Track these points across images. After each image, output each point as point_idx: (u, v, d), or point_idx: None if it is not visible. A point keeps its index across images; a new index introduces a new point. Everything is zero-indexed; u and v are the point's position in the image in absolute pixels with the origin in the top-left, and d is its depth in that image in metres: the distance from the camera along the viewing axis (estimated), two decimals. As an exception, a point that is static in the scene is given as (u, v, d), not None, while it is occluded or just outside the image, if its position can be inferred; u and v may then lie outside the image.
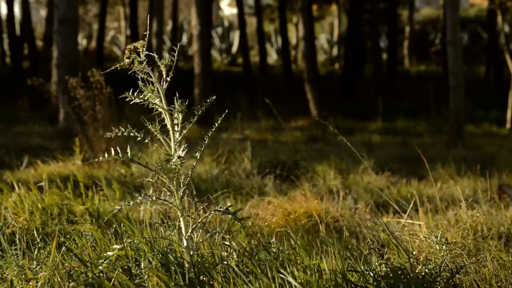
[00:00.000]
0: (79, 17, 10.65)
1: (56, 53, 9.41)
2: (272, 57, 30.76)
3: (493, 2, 17.27)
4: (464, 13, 32.08)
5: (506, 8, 18.55)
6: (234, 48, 30.22)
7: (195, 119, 2.52)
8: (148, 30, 2.50)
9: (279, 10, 24.24)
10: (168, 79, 2.46)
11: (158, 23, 13.28)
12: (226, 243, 2.71)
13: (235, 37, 29.86)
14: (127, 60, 2.40)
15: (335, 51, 30.88)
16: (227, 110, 2.80)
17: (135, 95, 2.45)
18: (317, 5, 28.02)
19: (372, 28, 19.58)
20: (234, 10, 35.43)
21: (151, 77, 2.45)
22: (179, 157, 2.46)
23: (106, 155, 2.44)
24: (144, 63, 2.42)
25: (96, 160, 2.52)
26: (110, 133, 2.45)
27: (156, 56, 2.45)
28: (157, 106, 2.47)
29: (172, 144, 2.52)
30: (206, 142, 2.56)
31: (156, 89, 2.46)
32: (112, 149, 2.48)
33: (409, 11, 28.14)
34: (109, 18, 34.27)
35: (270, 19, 30.04)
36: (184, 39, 30.68)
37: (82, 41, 31.24)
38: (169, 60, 2.46)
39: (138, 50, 2.41)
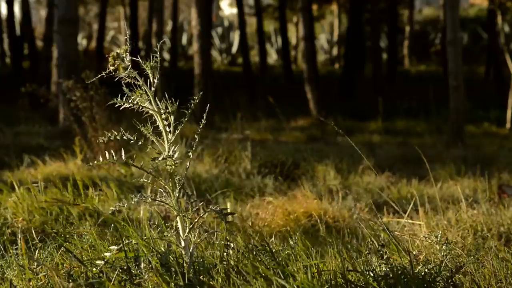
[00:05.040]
0: (79, 17, 10.66)
1: (56, 53, 9.40)
2: (272, 57, 30.75)
3: (493, 2, 17.26)
4: (464, 13, 32.08)
5: (506, 8, 18.56)
6: (234, 48, 30.21)
7: (186, 119, 2.53)
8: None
9: (279, 10, 24.23)
10: (156, 80, 2.47)
11: (158, 23, 13.27)
12: (226, 242, 2.70)
13: (235, 37, 29.86)
14: (112, 68, 2.41)
15: (335, 51, 30.88)
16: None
17: (123, 100, 2.46)
18: (317, 5, 27.99)
19: (372, 28, 19.57)
20: (234, 10, 35.44)
21: (138, 80, 2.46)
22: (168, 157, 2.47)
23: (101, 158, 2.44)
24: (129, 68, 2.43)
25: (92, 164, 2.52)
26: (103, 138, 2.47)
27: (140, 59, 2.45)
28: (147, 109, 2.48)
29: (165, 145, 2.53)
30: (197, 140, 2.57)
31: (144, 92, 2.47)
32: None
33: (409, 11, 28.14)
34: (109, 18, 34.27)
35: (270, 19, 30.03)
36: (184, 39, 30.69)
37: (82, 41, 31.25)
38: (154, 62, 2.46)
39: (122, 55, 2.42)
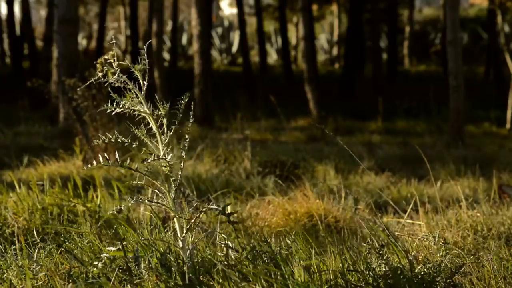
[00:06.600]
0: (79, 17, 10.65)
1: (56, 53, 9.41)
2: (272, 57, 30.75)
3: (493, 2, 17.27)
4: (464, 13, 32.09)
5: (506, 8, 18.55)
6: (234, 48, 30.22)
7: (178, 120, 2.53)
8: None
9: (279, 10, 24.24)
10: (145, 83, 2.47)
11: (158, 23, 13.27)
12: (225, 242, 2.70)
13: (235, 37, 29.86)
14: (100, 74, 2.42)
15: (335, 51, 30.88)
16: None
17: (114, 104, 2.47)
18: (317, 5, 28.00)
19: (372, 28, 19.58)
20: (234, 10, 35.44)
21: (128, 84, 2.47)
22: (159, 158, 2.47)
23: (100, 159, 2.45)
24: (117, 73, 2.44)
25: (91, 166, 2.51)
26: (97, 141, 2.48)
27: (130, 63, 2.46)
28: (139, 112, 2.49)
29: (160, 146, 2.53)
30: (188, 140, 2.58)
31: (135, 95, 2.47)
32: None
33: (409, 11, 28.15)
34: (109, 18, 34.27)
35: (270, 19, 30.05)
36: (184, 39, 30.70)
37: (82, 41, 31.25)
38: (142, 64, 2.47)
39: (110, 61, 2.42)
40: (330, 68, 29.03)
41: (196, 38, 11.65)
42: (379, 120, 12.98)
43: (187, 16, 34.20)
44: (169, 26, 29.47)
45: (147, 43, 2.56)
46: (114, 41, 2.50)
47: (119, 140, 2.49)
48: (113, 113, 2.49)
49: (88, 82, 2.53)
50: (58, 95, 9.13)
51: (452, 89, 9.42)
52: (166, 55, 26.93)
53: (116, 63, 2.43)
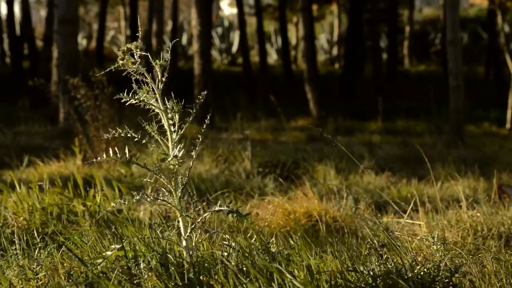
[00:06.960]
0: (79, 17, 10.65)
1: (56, 53, 9.41)
2: (272, 57, 30.74)
3: (493, 2, 17.27)
4: (464, 13, 32.08)
5: (506, 8, 18.54)
6: (234, 48, 30.21)
7: (190, 119, 2.52)
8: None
9: (279, 10, 24.23)
10: (164, 79, 2.46)
11: (158, 23, 13.27)
12: (226, 243, 2.70)
13: (235, 37, 29.86)
14: (121, 62, 2.40)
15: (335, 51, 30.87)
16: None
17: (129, 96, 2.45)
18: (317, 5, 28.00)
19: (372, 28, 19.56)
20: (234, 10, 35.43)
21: (146, 77, 2.45)
22: (175, 156, 2.46)
23: (104, 155, 2.44)
24: (137, 63, 2.42)
25: (95, 160, 2.51)
26: (107, 134, 2.46)
27: (150, 56, 2.45)
28: (153, 107, 2.47)
29: (169, 144, 2.52)
30: (200, 140, 2.56)
31: (151, 89, 2.46)
32: (112, 149, 2.48)
33: (409, 11, 28.14)
34: (109, 18, 34.27)
35: (270, 19, 30.03)
36: (184, 39, 30.69)
37: (82, 41, 31.24)
38: (164, 60, 2.46)
39: (132, 51, 2.41)
40: (330, 68, 29.01)
41: (196, 38, 11.65)
42: (379, 120, 12.98)
43: (187, 16, 34.20)
44: (169, 26, 29.46)
45: (175, 41, 2.54)
46: (141, 36, 2.46)
47: (128, 135, 2.48)
48: (127, 103, 2.47)
49: (107, 70, 2.50)
50: (58, 94, 9.13)
51: (452, 89, 9.42)
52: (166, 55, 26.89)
53: (139, 53, 2.42)
